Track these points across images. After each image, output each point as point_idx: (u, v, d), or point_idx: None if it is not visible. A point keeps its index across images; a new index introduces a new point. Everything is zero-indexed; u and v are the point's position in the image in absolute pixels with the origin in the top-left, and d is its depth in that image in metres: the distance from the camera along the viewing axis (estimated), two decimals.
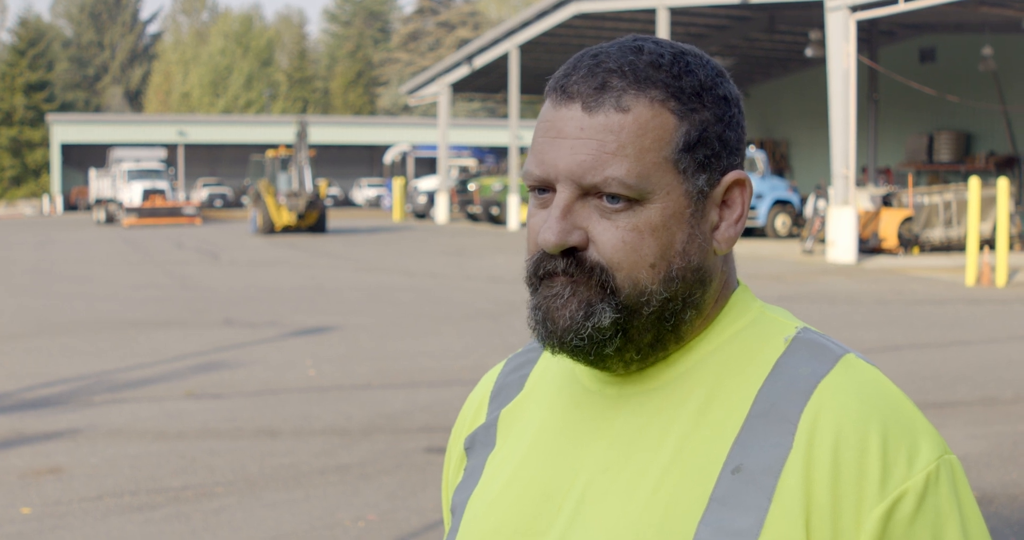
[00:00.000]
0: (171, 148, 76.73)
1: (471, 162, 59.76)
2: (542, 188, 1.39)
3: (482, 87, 55.45)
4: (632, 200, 1.34)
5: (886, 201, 31.28)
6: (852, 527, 1.29)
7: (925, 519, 1.30)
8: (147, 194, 53.36)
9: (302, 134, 42.00)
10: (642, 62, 1.37)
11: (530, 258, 1.40)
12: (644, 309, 1.36)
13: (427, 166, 70.06)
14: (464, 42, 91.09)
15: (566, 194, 1.35)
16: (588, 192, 1.35)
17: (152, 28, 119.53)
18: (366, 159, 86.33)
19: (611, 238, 1.35)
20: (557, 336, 1.37)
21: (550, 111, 1.39)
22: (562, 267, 1.36)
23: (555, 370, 1.54)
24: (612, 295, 1.35)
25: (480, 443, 1.57)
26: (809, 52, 33.85)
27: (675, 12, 36.53)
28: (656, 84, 1.36)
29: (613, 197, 1.34)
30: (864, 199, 30.94)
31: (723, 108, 1.40)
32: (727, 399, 1.38)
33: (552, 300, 1.37)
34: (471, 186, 50.02)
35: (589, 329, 1.36)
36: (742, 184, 1.42)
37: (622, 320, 1.36)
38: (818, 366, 1.37)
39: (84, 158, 77.01)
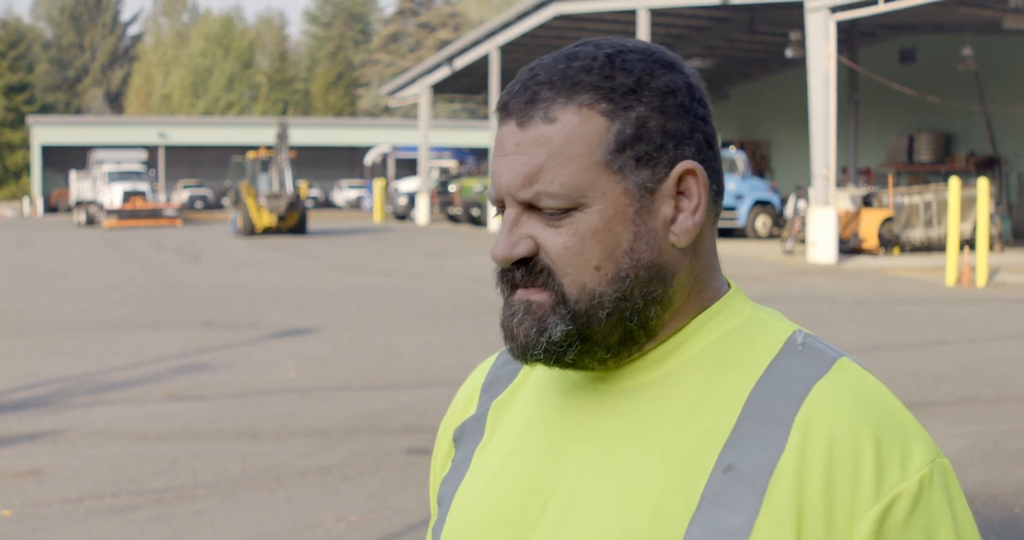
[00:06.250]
0: (151, 150, 76.48)
1: (452, 163, 59.77)
2: (502, 206, 1.41)
3: (463, 88, 55.48)
4: (569, 209, 1.36)
5: (866, 201, 31.37)
6: (845, 529, 1.30)
7: (919, 521, 1.31)
8: (127, 196, 53.24)
9: (283, 135, 41.93)
10: (572, 69, 1.37)
11: (495, 270, 1.44)
12: (599, 312, 1.37)
13: (408, 167, 69.98)
14: (445, 43, 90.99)
15: (513, 209, 1.39)
16: (531, 205, 1.38)
17: (133, 30, 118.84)
18: (346, 160, 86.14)
19: (554, 244, 1.37)
20: (519, 351, 1.40)
21: (497, 130, 1.42)
22: (518, 279, 1.39)
23: None
24: (563, 304, 1.37)
25: (469, 435, 1.57)
26: (789, 53, 33.86)
27: (655, 13, 36.56)
28: (585, 88, 1.36)
29: (551, 209, 1.37)
30: (844, 199, 31.02)
31: (664, 99, 1.38)
32: (719, 399, 1.38)
33: (510, 319, 1.40)
34: (451, 187, 50.07)
35: (544, 344, 1.38)
36: (693, 173, 1.39)
37: (575, 330, 1.37)
38: (812, 369, 1.37)
39: (64, 160, 76.74)
